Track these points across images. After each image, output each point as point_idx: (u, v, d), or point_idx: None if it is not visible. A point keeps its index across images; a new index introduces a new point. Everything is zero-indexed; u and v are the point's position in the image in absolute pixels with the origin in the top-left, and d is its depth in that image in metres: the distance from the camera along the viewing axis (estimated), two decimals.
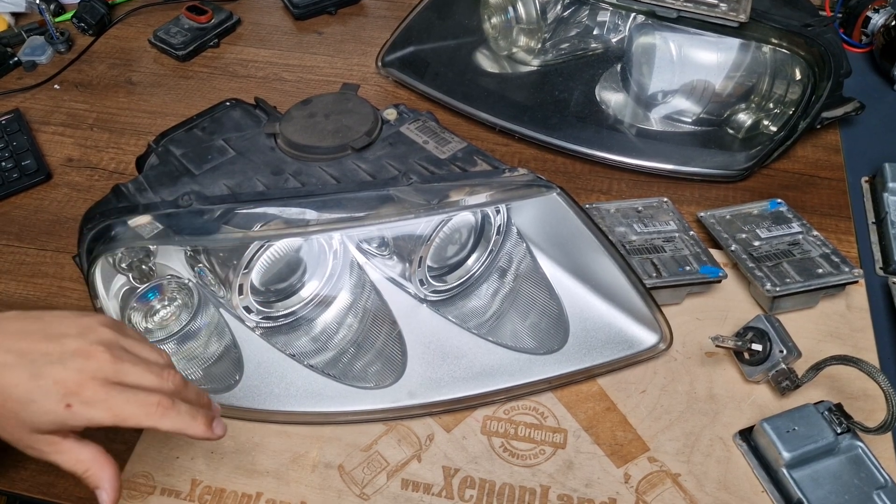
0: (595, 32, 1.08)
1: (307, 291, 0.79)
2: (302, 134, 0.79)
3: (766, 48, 0.94)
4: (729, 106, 0.98)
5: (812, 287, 0.78)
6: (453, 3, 1.08)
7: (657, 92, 0.99)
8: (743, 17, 0.87)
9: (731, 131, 0.99)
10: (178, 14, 1.20)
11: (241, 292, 0.74)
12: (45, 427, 0.53)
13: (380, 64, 1.10)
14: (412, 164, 0.76)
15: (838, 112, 0.99)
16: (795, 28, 0.91)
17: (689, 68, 0.95)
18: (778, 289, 0.78)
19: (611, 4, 0.97)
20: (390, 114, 0.83)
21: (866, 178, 0.97)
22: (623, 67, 1.03)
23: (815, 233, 0.85)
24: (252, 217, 0.71)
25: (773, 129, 0.98)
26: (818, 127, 0.99)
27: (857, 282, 0.80)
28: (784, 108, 0.97)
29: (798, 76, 0.95)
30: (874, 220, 0.91)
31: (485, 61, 1.10)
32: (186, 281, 0.78)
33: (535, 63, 1.09)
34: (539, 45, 1.07)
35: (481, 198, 0.71)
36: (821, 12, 1.14)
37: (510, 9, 1.06)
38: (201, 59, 1.18)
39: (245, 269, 0.72)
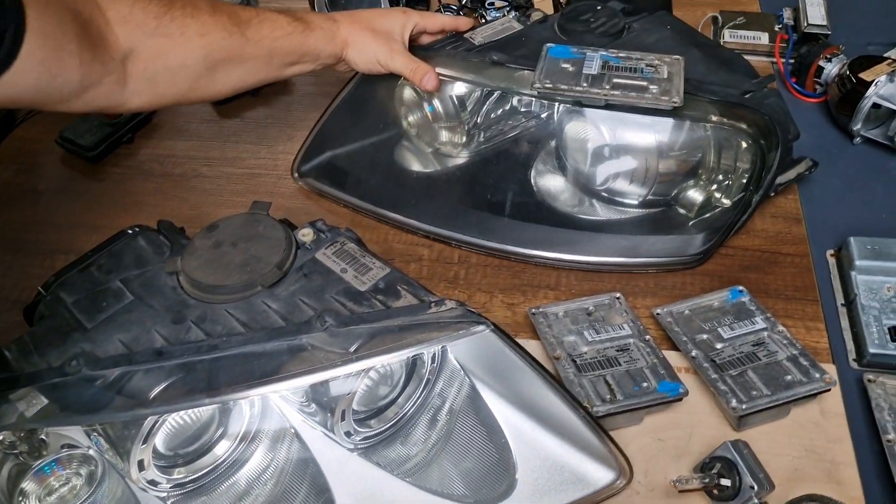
0: (523, 110, 1.00)
1: (222, 449, 0.71)
2: (206, 270, 0.71)
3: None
4: (676, 185, 0.91)
5: (780, 402, 0.71)
6: (366, 104, 0.99)
7: (595, 178, 0.91)
8: (676, 101, 0.79)
9: (682, 211, 0.91)
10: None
11: (141, 468, 0.65)
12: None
13: (295, 175, 1.01)
14: (328, 300, 0.68)
15: (791, 175, 0.92)
16: (735, 99, 0.84)
17: (627, 151, 0.88)
18: (744, 406, 0.71)
19: (532, 96, 0.89)
20: (306, 234, 0.75)
21: (832, 252, 0.90)
22: (557, 151, 0.95)
23: (781, 328, 0.78)
24: (149, 382, 0.63)
25: (726, 201, 0.91)
26: (772, 195, 0.92)
27: (828, 390, 0.73)
28: (735, 178, 0.90)
29: (745, 145, 0.88)
30: (843, 302, 0.85)
31: (409, 158, 1.01)
32: (86, 449, 0.69)
33: (463, 154, 1.00)
34: (464, 139, 0.98)
35: (404, 343, 0.63)
36: (768, 60, 1.08)
37: (425, 105, 0.96)
38: (114, 158, 1.09)
39: (143, 443, 0.64)
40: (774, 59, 1.14)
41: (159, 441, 0.66)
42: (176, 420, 0.66)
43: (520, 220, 0.92)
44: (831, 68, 1.06)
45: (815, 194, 0.97)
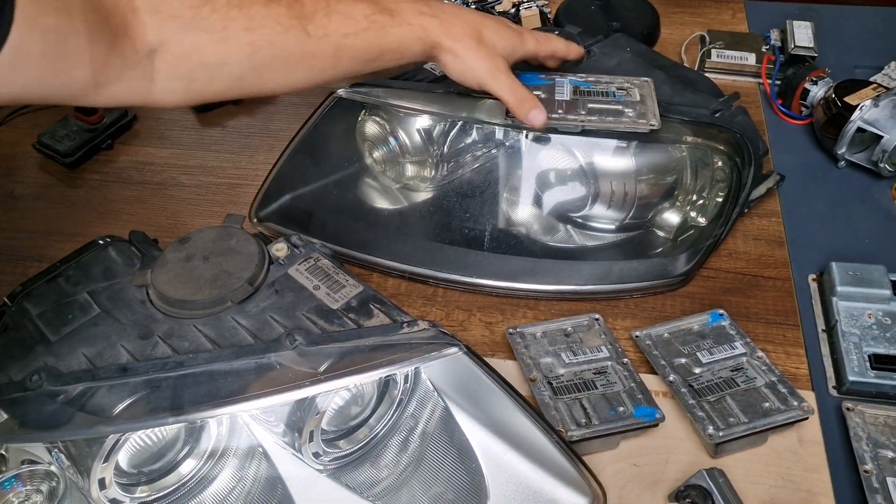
0: (486, 139, 0.95)
1: (187, 467, 0.69)
2: (175, 285, 0.69)
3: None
4: (653, 207, 0.90)
5: (757, 430, 0.70)
6: (327, 142, 0.94)
7: (572, 205, 0.90)
8: (654, 123, 0.78)
9: (660, 234, 0.91)
10: (67, 114, 1.10)
11: (102, 486, 0.63)
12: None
13: (254, 220, 0.95)
14: (300, 317, 0.67)
15: (762, 190, 0.93)
16: (706, 118, 0.84)
17: (602, 177, 0.87)
18: (721, 433, 0.70)
19: (508, 126, 0.85)
20: (280, 249, 0.74)
21: (814, 276, 0.89)
22: (529, 179, 0.92)
23: (760, 353, 0.77)
24: (112, 399, 0.62)
25: (702, 220, 0.90)
26: (746, 210, 0.93)
27: (806, 418, 0.72)
28: (710, 197, 0.90)
29: (720, 163, 0.88)
30: (824, 328, 0.84)
31: (373, 195, 0.97)
32: (48, 465, 0.68)
33: (429, 188, 0.97)
34: (433, 173, 0.94)
35: (374, 364, 0.62)
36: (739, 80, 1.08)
37: (391, 139, 0.92)
38: (93, 165, 1.08)
39: (105, 461, 0.62)
40: (761, 80, 1.14)
41: (122, 458, 0.65)
42: (139, 438, 0.65)
43: (497, 252, 0.90)
44: (817, 91, 1.05)
45: (799, 217, 0.96)
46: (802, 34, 1.14)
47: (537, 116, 0.76)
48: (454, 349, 0.61)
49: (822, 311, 0.85)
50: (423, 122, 0.92)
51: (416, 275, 0.91)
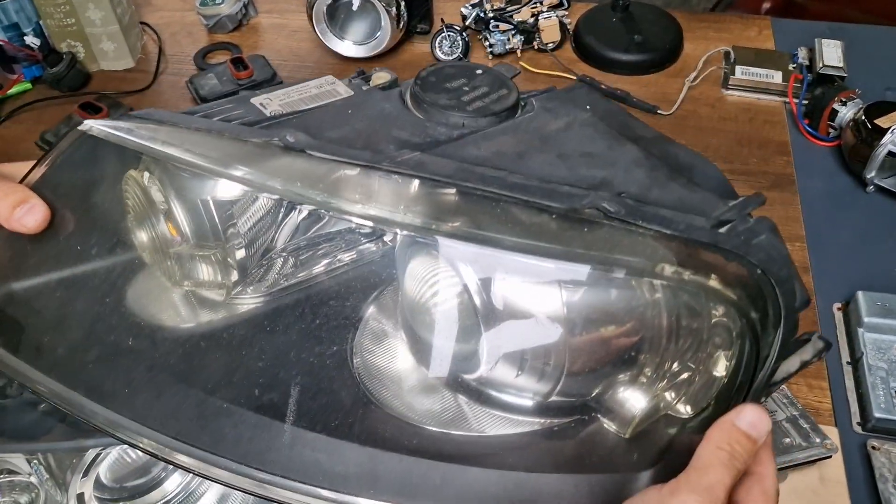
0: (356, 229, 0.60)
1: (173, 484, 0.66)
2: None
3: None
4: (598, 380, 0.50)
5: (777, 467, 0.66)
6: (71, 208, 0.55)
7: (456, 360, 0.51)
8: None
9: (611, 427, 0.50)
10: (71, 113, 1.08)
11: (81, 501, 0.60)
12: None
13: None
14: None
15: (793, 365, 0.48)
16: (703, 235, 0.45)
17: (511, 316, 0.48)
18: None
19: (374, 220, 0.46)
20: None
21: (839, 306, 0.85)
22: (396, 307, 0.56)
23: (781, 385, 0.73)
24: None
25: (685, 409, 0.50)
26: (764, 400, 0.50)
27: (829, 457, 0.68)
28: (700, 370, 0.49)
29: (721, 316, 0.48)
30: (849, 360, 0.79)
31: (148, 304, 0.56)
32: (27, 476, 0.65)
33: (250, 298, 0.58)
34: (232, 277, 0.57)
35: None
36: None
37: (158, 216, 0.54)
38: None
39: (84, 475, 0.59)
40: (787, 100, 1.10)
41: (103, 472, 0.62)
42: (123, 452, 0.61)
43: (323, 434, 0.47)
44: (846, 112, 1.01)
45: (824, 243, 0.92)
46: (831, 53, 1.10)
47: (29, 216, 0.51)
48: None
49: (848, 342, 0.81)
50: (224, 190, 0.54)
51: (175, 458, 0.47)
